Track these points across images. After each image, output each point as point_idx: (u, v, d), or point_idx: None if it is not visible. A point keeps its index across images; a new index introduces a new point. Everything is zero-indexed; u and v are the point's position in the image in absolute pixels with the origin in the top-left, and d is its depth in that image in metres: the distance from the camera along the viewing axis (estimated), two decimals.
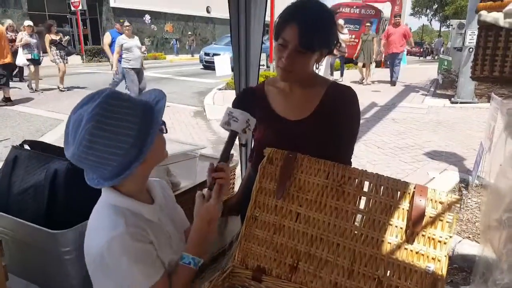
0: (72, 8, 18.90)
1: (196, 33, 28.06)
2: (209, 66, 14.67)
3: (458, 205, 1.05)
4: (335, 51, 1.42)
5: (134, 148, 0.98)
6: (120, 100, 0.97)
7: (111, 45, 7.96)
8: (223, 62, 7.93)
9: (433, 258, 1.02)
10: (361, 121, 7.02)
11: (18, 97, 8.85)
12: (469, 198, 3.79)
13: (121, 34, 7.49)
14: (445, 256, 1.02)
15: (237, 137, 1.25)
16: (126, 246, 0.99)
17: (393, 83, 11.50)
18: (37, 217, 1.29)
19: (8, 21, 10.69)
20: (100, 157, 0.95)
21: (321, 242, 1.11)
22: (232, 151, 1.27)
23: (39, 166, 1.33)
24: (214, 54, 14.14)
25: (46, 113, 7.39)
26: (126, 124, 0.96)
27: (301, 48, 1.24)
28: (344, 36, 10.94)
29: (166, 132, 1.11)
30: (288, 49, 1.26)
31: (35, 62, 9.45)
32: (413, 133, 6.30)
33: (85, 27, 21.74)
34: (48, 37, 9.48)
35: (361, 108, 6.95)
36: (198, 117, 7.59)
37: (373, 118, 7.35)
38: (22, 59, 9.30)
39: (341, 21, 11.04)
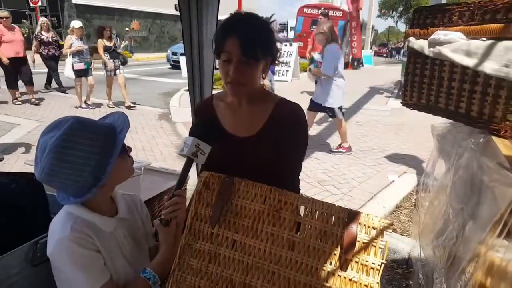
0: (31, 4, 18.10)
1: (164, 31, 27.59)
2: (176, 65, 14.44)
3: (390, 230, 1.04)
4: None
5: (93, 176, 1.07)
6: (82, 131, 1.06)
7: None
8: None
9: (365, 285, 1.02)
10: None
11: None
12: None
13: None
14: (377, 283, 1.02)
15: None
16: (69, 249, 1.07)
17: None
18: None
19: (43, 19, 9.01)
20: (61, 183, 1.07)
21: (257, 271, 1.08)
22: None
23: None
24: (182, 54, 13.92)
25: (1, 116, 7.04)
26: (85, 154, 1.05)
27: (245, 58, 1.23)
28: None
29: (129, 153, 1.21)
30: (233, 61, 1.25)
31: (87, 72, 7.73)
32: (376, 136, 6.44)
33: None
34: (101, 43, 7.62)
35: None
36: (163, 119, 7.44)
37: None
38: (70, 70, 7.49)
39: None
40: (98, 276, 1.11)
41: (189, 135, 1.26)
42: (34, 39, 8.82)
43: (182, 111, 7.80)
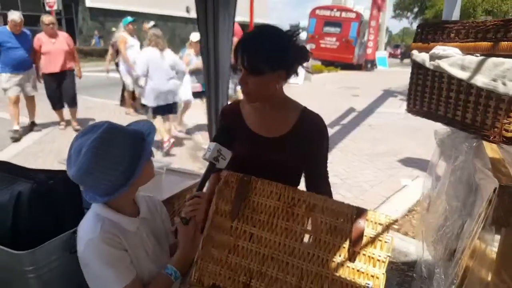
0: (47, 8, 18.55)
1: (176, 33, 27.93)
2: None
3: (396, 226, 1.14)
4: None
5: (124, 177, 1.15)
6: (116, 136, 1.15)
7: None
8: None
9: (372, 276, 1.12)
10: (339, 127, 7.10)
11: None
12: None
13: None
14: (383, 274, 1.11)
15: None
16: (99, 248, 1.15)
17: None
18: (2, 236, 1.34)
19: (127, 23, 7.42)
20: (94, 181, 1.14)
21: (272, 261, 1.19)
22: None
23: (3, 187, 1.38)
24: None
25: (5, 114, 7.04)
26: (120, 155, 1.14)
27: (249, 71, 1.33)
28: None
29: (153, 156, 1.28)
30: (242, 73, 1.35)
31: (203, 94, 5.25)
32: (389, 139, 6.43)
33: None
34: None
35: (340, 113, 7.00)
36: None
37: (350, 124, 7.49)
38: (188, 91, 5.88)
39: None
40: (126, 273, 1.18)
41: (212, 140, 1.34)
42: (110, 46, 7.53)
43: (188, 114, 7.85)
